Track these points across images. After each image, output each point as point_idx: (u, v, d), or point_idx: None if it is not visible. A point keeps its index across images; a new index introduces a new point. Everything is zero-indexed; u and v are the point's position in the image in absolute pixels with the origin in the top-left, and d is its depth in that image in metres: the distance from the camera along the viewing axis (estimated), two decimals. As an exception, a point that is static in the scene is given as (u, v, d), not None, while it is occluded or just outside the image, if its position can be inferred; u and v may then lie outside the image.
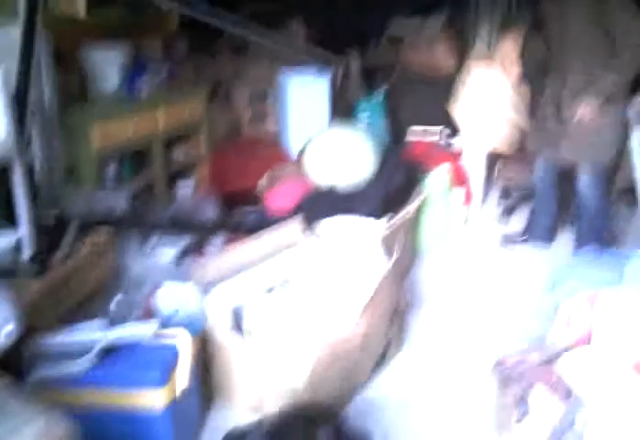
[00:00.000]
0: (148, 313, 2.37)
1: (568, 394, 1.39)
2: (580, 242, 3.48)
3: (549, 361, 1.56)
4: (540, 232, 3.73)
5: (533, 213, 3.83)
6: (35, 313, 2.02)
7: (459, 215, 3.98)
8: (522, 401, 1.54)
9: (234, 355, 2.24)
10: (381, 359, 2.62)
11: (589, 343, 1.54)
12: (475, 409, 2.41)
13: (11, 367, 1.72)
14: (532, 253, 3.74)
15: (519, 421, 1.51)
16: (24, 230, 2.30)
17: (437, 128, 4.33)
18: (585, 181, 3.34)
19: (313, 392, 2.15)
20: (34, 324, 2.01)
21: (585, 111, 3.10)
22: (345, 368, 2.31)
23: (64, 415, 1.32)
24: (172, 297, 2.52)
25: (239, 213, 3.41)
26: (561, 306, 1.78)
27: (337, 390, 2.32)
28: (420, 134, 4.37)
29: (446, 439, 2.25)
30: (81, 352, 1.85)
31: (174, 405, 1.93)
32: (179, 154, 3.94)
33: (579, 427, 1.29)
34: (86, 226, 2.50)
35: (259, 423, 1.51)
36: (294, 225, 2.75)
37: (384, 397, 2.48)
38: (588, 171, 3.32)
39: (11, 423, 1.24)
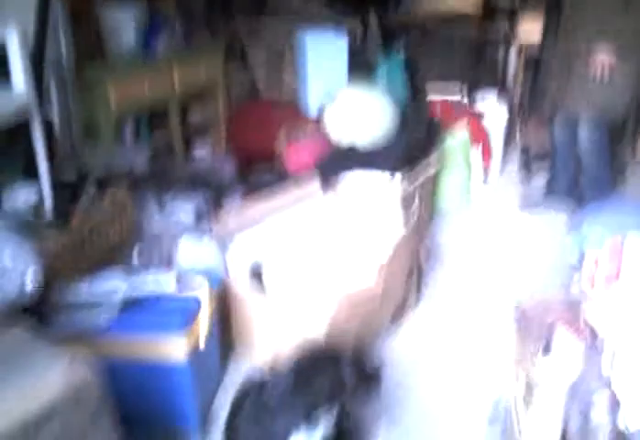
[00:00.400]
0: (169, 267, 2.40)
1: (592, 337, 1.39)
2: (586, 197, 3.46)
3: (572, 304, 1.56)
4: (560, 190, 3.69)
5: (552, 171, 3.77)
6: (58, 265, 2.05)
7: (479, 174, 3.93)
8: (544, 339, 1.54)
9: (253, 307, 2.27)
10: (399, 315, 2.64)
11: (616, 287, 1.53)
12: (493, 359, 2.43)
13: (35, 316, 1.75)
14: (552, 211, 3.70)
15: (544, 354, 1.51)
16: (44, 184, 2.32)
17: (458, 85, 4.25)
18: (587, 135, 3.32)
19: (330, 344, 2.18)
20: (57, 275, 2.04)
21: (599, 60, 3.03)
22: (362, 321, 2.32)
23: (88, 360, 1.35)
24: (192, 251, 2.54)
25: (257, 172, 3.40)
26: (587, 254, 1.76)
27: (354, 342, 2.34)
28: (440, 92, 4.29)
29: (459, 393, 2.28)
30: (103, 302, 1.88)
31: (196, 354, 1.96)
32: (196, 114, 3.92)
33: (604, 371, 1.29)
34: (105, 183, 2.52)
35: (280, 369, 1.53)
36: (313, 182, 2.74)
37: (400, 352, 2.51)
38: (591, 125, 3.30)
39: (35, 365, 1.27)
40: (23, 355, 1.30)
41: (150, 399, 1.97)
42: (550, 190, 3.76)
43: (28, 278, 1.44)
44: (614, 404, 1.34)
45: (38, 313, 1.79)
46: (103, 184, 2.51)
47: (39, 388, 1.21)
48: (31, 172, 2.39)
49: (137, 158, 2.96)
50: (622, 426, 1.25)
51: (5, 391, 1.18)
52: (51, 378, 1.24)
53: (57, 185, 2.34)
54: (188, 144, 3.79)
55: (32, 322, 1.55)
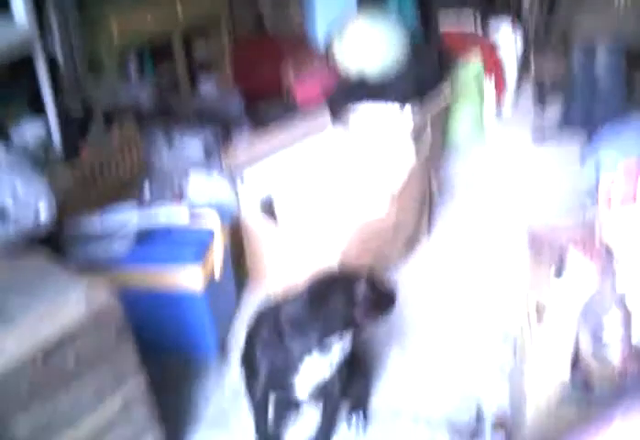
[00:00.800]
0: (180, 201, 2.40)
1: (607, 256, 1.39)
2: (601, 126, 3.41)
3: (587, 226, 1.55)
4: (575, 121, 3.61)
5: (567, 101, 3.69)
6: (70, 199, 2.05)
7: (492, 105, 3.84)
8: (556, 262, 1.55)
9: (266, 240, 2.28)
10: (411, 245, 2.65)
11: (632, 208, 1.52)
12: (505, 284, 2.46)
13: (51, 248, 1.76)
14: (566, 143, 3.64)
15: (557, 276, 1.52)
16: (51, 119, 2.31)
17: (471, 15, 4.09)
18: (604, 62, 3.25)
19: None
20: (70, 209, 2.05)
21: None
22: (375, 252, 2.34)
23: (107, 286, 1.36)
24: (202, 186, 2.54)
25: (265, 106, 3.34)
26: (602, 178, 1.74)
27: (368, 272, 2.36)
28: (452, 22, 4.13)
29: (470, 318, 2.32)
30: (117, 234, 1.89)
31: (211, 284, 1.99)
32: (200, 49, 3.81)
33: (618, 289, 1.29)
34: (111, 118, 2.49)
35: (294, 296, 1.55)
36: (322, 115, 2.70)
37: (411, 282, 2.54)
38: (609, 52, 3.23)
39: (56, 290, 1.29)
40: (43, 281, 1.33)
41: (169, 328, 2.02)
42: (565, 121, 3.68)
43: (42, 210, 1.44)
44: (627, 323, 1.36)
45: (54, 245, 1.81)
46: (109, 119, 2.48)
47: (60, 312, 1.24)
48: (37, 107, 2.36)
49: (142, 93, 2.91)
50: (635, 342, 1.27)
51: (27, 315, 1.21)
52: (72, 302, 1.26)
53: (64, 119, 2.31)
54: (193, 80, 3.71)
55: (49, 252, 1.56)
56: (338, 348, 1.56)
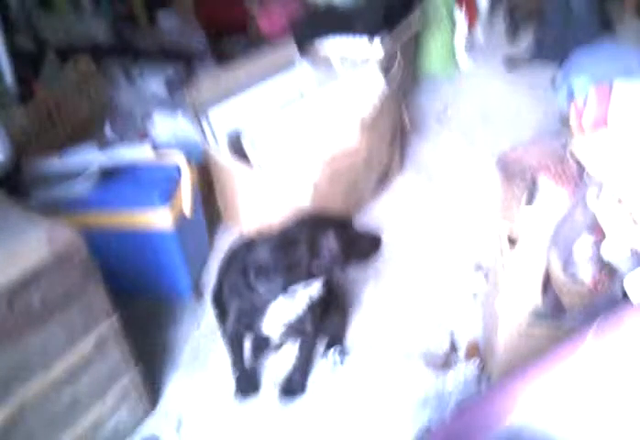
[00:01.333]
0: (143, 140, 2.31)
1: (577, 181, 1.39)
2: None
3: (558, 150, 1.53)
4: (547, 48, 3.55)
5: (541, 28, 3.61)
6: (28, 139, 1.97)
7: (463, 34, 3.74)
8: (528, 189, 1.54)
9: (236, 178, 2.22)
10: (383, 180, 2.63)
11: (604, 131, 1.50)
12: (476, 217, 2.48)
13: (9, 190, 1.69)
14: (537, 73, 3.59)
15: (528, 203, 1.52)
16: (2, 58, 2.17)
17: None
18: None
19: (316, 209, 2.17)
20: (28, 150, 1.97)
21: None
22: (348, 186, 2.31)
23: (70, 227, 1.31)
24: (167, 125, 2.45)
25: (229, 40, 3.20)
26: (573, 103, 1.71)
27: (341, 209, 2.34)
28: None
29: (444, 249, 2.33)
30: (80, 174, 1.82)
31: (182, 223, 1.95)
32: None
33: (590, 205, 1.29)
34: (66, 54, 2.35)
35: (265, 237, 1.52)
36: (289, 47, 2.59)
37: (384, 216, 2.53)
38: None
39: (16, 231, 1.23)
40: (3, 221, 1.26)
41: (142, 270, 1.99)
42: (538, 48, 3.63)
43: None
44: (597, 244, 1.37)
45: (13, 188, 1.73)
46: (64, 56, 2.35)
47: (22, 253, 1.18)
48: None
49: (98, 27, 2.75)
50: (606, 258, 1.28)
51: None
52: (33, 243, 1.21)
53: (15, 58, 2.18)
54: (151, 13, 3.52)
55: (7, 194, 1.49)
56: (305, 294, 1.55)
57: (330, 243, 1.46)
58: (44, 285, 1.21)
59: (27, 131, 1.97)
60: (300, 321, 1.62)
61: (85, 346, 1.38)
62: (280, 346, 1.90)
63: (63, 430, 1.42)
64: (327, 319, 1.86)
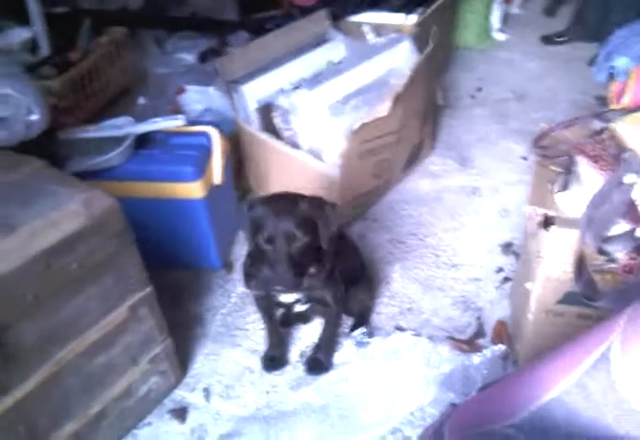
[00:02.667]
0: (176, 113, 2.32)
1: (614, 161, 1.35)
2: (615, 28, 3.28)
3: (595, 133, 1.50)
4: (588, 21, 3.45)
5: (578, 9, 3.51)
6: (63, 109, 1.98)
7: (500, 9, 3.65)
8: (564, 170, 1.51)
9: (266, 151, 2.22)
10: (413, 161, 2.60)
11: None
12: (508, 199, 2.45)
13: (46, 157, 1.71)
14: (574, 49, 3.51)
15: (564, 185, 1.49)
16: (37, 27, 2.18)
17: None
18: None
19: (347, 184, 2.17)
20: (63, 120, 1.99)
21: None
22: (378, 163, 2.29)
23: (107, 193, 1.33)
24: (199, 97, 2.45)
25: (261, 14, 3.16)
26: (613, 83, 1.67)
27: (370, 184, 2.33)
28: None
29: (472, 237, 2.31)
30: (113, 145, 1.83)
31: (211, 195, 1.96)
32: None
33: (627, 187, 1.26)
34: (100, 19, 2.35)
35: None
36: (322, 19, 2.55)
37: (414, 195, 2.51)
38: None
39: (55, 196, 1.25)
40: (41, 189, 1.28)
41: (172, 240, 2.01)
42: (578, 26, 3.52)
43: (35, 112, 1.38)
44: (632, 230, 1.34)
45: (49, 155, 1.75)
46: (97, 23, 2.35)
47: (61, 217, 1.20)
48: (22, 14, 2.23)
49: (132, -5, 2.74)
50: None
51: (28, 223, 1.18)
52: (72, 207, 1.23)
53: (49, 28, 2.18)
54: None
55: (43, 161, 1.51)
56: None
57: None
58: (82, 250, 1.24)
59: (62, 96, 1.98)
60: (314, 290, 1.61)
61: (120, 313, 1.41)
62: (307, 318, 1.92)
63: (98, 393, 1.46)
64: (354, 297, 1.88)
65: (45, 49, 2.14)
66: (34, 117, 1.37)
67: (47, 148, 1.77)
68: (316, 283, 1.59)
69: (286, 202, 1.46)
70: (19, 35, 2.10)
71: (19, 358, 1.21)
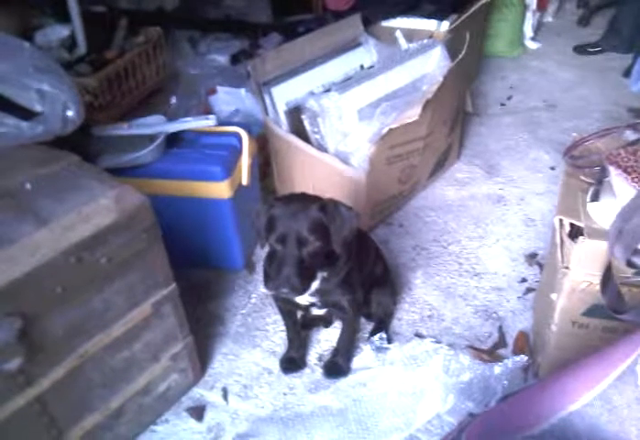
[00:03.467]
0: (207, 113, 2.34)
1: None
2: None
3: (626, 143, 1.48)
4: (623, 31, 3.40)
5: (613, 20, 3.46)
6: (97, 106, 2.02)
7: (533, 18, 3.62)
8: (595, 181, 1.50)
9: (294, 153, 2.23)
10: (439, 168, 2.59)
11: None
12: (534, 209, 2.42)
13: (79, 152, 1.74)
14: (607, 59, 3.46)
15: (595, 196, 1.48)
16: (76, 25, 2.22)
17: None
18: None
19: (372, 188, 2.17)
20: (98, 117, 2.02)
21: None
22: (405, 169, 2.29)
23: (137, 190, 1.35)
24: (230, 98, 2.47)
25: (294, 11, 3.18)
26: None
27: (396, 189, 2.33)
28: None
29: (497, 246, 2.29)
30: (145, 143, 1.86)
31: (238, 195, 1.97)
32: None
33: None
34: (136, 19, 2.39)
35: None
36: (354, 23, 2.56)
37: (439, 202, 2.50)
38: None
39: (88, 192, 1.28)
40: (74, 183, 1.31)
41: (197, 239, 2.03)
42: (613, 37, 3.47)
43: (71, 108, 1.40)
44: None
45: (82, 151, 1.79)
46: (134, 23, 2.39)
47: (93, 211, 1.23)
48: (62, 13, 2.28)
49: (168, -3, 2.78)
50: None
51: (61, 217, 1.20)
52: (104, 202, 1.25)
53: (88, 18, 2.22)
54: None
55: (77, 156, 1.54)
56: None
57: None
58: (111, 245, 1.26)
59: (98, 97, 2.02)
60: (329, 294, 1.60)
61: (144, 309, 1.43)
62: (329, 321, 1.93)
63: (118, 387, 1.48)
64: (376, 301, 1.88)
65: (82, 47, 2.18)
66: (70, 113, 1.40)
67: (80, 143, 1.79)
68: (331, 287, 1.58)
69: (300, 203, 1.44)
70: (58, 32, 2.15)
71: (45, 350, 1.24)
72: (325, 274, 1.54)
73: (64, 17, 2.26)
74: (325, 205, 1.42)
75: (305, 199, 1.47)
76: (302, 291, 1.43)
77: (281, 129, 2.21)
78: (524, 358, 1.74)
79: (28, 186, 1.28)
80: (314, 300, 1.61)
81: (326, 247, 1.43)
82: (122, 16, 2.32)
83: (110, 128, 1.86)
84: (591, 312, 1.53)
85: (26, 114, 1.41)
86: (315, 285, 1.54)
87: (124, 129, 1.86)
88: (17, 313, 1.13)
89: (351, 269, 1.61)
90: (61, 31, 2.16)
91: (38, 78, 1.37)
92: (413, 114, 2.05)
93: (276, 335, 1.91)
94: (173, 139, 1.93)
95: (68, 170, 1.36)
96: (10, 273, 1.10)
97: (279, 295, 1.58)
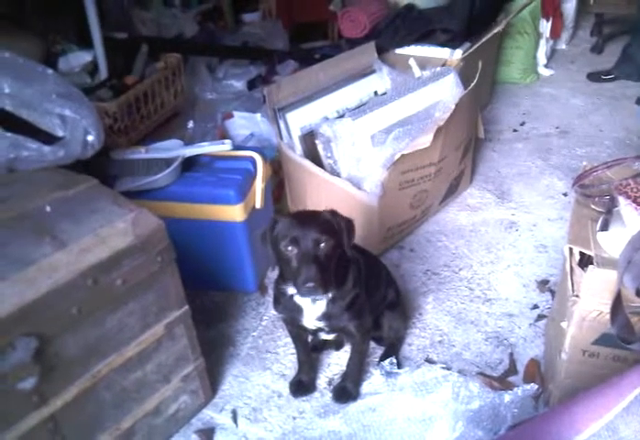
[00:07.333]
0: (223, 138, 2.39)
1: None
2: None
3: (638, 173, 1.49)
4: (632, 69, 3.42)
5: (627, 48, 3.48)
6: (117, 130, 2.07)
7: (546, 45, 3.67)
8: (606, 210, 1.51)
9: (307, 177, 2.27)
10: (451, 194, 2.61)
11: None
12: (544, 237, 2.42)
13: (97, 176, 1.78)
14: (620, 87, 3.48)
15: (604, 225, 1.48)
16: (98, 51, 2.29)
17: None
18: None
19: (384, 213, 2.19)
20: (117, 140, 2.07)
21: None
22: (417, 194, 2.31)
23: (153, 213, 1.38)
24: (245, 123, 2.52)
25: (310, 38, 3.25)
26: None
27: (408, 214, 2.35)
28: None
29: (508, 273, 2.29)
30: (162, 167, 1.90)
31: (251, 218, 2.00)
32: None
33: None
34: (156, 46, 2.46)
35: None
36: (369, 50, 2.61)
37: (451, 227, 2.51)
38: None
39: (105, 215, 1.32)
40: (92, 206, 1.35)
41: (210, 261, 2.06)
42: (626, 66, 3.50)
43: (92, 133, 1.45)
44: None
45: (101, 172, 1.83)
46: (154, 49, 2.45)
47: (110, 235, 1.26)
48: (84, 39, 2.35)
49: (187, 22, 2.85)
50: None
51: (78, 239, 1.24)
52: (121, 225, 1.29)
53: (109, 44, 2.29)
54: (237, 10, 3.62)
55: (96, 180, 1.58)
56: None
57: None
58: (127, 267, 1.29)
59: (118, 121, 2.08)
60: (337, 318, 1.60)
61: (157, 330, 1.45)
62: (340, 344, 1.93)
63: (129, 408, 1.49)
64: (387, 325, 1.88)
65: (104, 73, 2.25)
66: (90, 138, 1.45)
67: (99, 167, 1.85)
68: (337, 311, 1.58)
69: (308, 214, 1.55)
70: (81, 58, 2.21)
71: (60, 370, 1.26)
72: (330, 295, 1.54)
73: (87, 43, 2.33)
74: (334, 212, 1.52)
75: (312, 211, 1.56)
76: (325, 290, 1.43)
77: (295, 154, 2.25)
78: (534, 387, 1.72)
79: (48, 209, 1.32)
80: (321, 324, 1.62)
81: (338, 246, 1.47)
82: (143, 43, 2.39)
83: (128, 152, 1.91)
84: (602, 341, 1.53)
85: (48, 138, 1.46)
86: (322, 308, 1.56)
87: (142, 153, 1.90)
88: (34, 333, 1.16)
89: (358, 294, 1.62)
90: (84, 57, 2.23)
91: (60, 104, 1.41)
92: (425, 141, 2.07)
93: (286, 357, 1.92)
94: (189, 163, 1.98)
95: (86, 194, 1.40)
96: (28, 294, 1.13)
97: (292, 316, 1.61)
